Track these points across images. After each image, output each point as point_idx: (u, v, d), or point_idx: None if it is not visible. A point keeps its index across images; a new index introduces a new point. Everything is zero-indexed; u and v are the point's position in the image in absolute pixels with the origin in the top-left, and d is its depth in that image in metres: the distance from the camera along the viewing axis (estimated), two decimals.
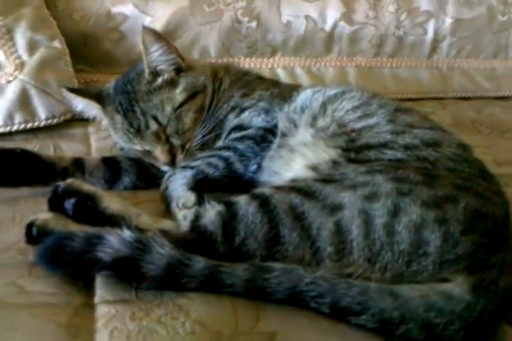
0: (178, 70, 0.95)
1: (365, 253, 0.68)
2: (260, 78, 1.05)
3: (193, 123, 0.94)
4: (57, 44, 1.14)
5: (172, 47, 0.94)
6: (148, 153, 0.95)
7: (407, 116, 0.92)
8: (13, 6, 1.13)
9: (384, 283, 0.67)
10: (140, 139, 0.93)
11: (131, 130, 0.93)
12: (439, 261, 0.67)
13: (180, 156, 0.93)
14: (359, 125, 0.89)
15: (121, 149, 1.00)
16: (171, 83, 0.93)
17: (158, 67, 0.93)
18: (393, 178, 0.73)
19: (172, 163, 0.93)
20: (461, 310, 0.64)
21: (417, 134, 0.86)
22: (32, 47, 1.11)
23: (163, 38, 0.93)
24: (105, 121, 0.99)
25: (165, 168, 0.95)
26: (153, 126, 0.92)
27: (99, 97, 0.97)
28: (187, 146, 0.94)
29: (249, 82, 1.01)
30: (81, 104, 0.98)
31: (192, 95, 0.94)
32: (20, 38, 1.11)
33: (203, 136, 0.94)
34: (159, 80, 0.93)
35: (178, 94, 0.93)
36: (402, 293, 0.65)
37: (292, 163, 0.88)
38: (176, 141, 0.93)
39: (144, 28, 0.92)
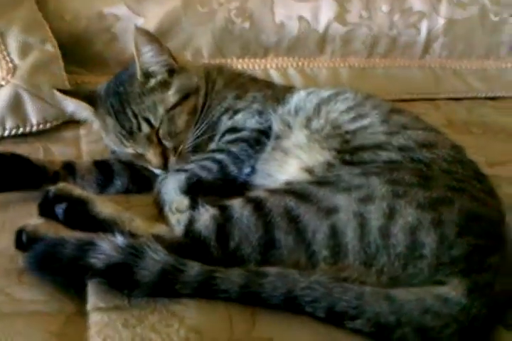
0: (171, 71, 0.94)
1: (361, 257, 0.67)
2: (254, 79, 1.04)
3: (185, 125, 0.93)
4: (49, 47, 1.13)
5: (164, 48, 0.93)
6: (140, 155, 0.94)
7: (401, 116, 0.92)
8: (5, 9, 1.11)
9: (380, 286, 0.66)
10: (132, 142, 0.92)
11: (123, 132, 0.92)
12: (434, 264, 0.67)
13: (172, 159, 0.92)
14: (353, 126, 0.88)
15: (113, 152, 0.98)
16: (164, 84, 0.92)
17: (151, 69, 0.92)
18: (388, 181, 0.73)
19: (165, 166, 0.92)
20: (456, 313, 0.64)
21: (410, 135, 0.85)
22: (24, 51, 1.10)
23: (156, 39, 0.92)
24: (97, 124, 0.98)
25: (157, 171, 0.94)
26: (146, 128, 0.91)
27: (90, 99, 0.95)
28: (180, 149, 0.92)
29: (243, 84, 1.00)
30: (72, 106, 0.96)
31: (185, 96, 0.93)
32: (13, 41, 1.09)
33: (196, 138, 0.93)
34: (152, 82, 0.92)
35: (171, 95, 0.92)
36: (398, 297, 0.65)
37: (286, 166, 0.87)
38: (168, 144, 0.92)
39: (137, 28, 0.91)
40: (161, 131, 0.91)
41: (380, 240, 0.67)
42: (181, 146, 0.93)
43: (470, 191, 0.75)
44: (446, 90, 1.44)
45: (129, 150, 0.94)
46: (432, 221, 0.68)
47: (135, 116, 0.91)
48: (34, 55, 1.09)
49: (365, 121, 0.89)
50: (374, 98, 0.96)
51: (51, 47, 1.13)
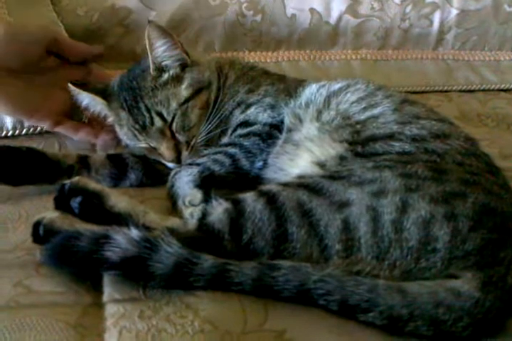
0: (183, 66, 0.94)
1: (374, 251, 0.67)
2: (266, 73, 1.04)
3: (198, 119, 0.93)
4: None
5: (177, 42, 0.93)
6: (153, 149, 0.95)
7: (414, 107, 0.91)
8: (22, 9, 1.12)
9: (392, 280, 0.66)
10: (145, 136, 0.93)
11: (137, 127, 0.92)
12: (447, 258, 0.67)
13: (185, 153, 0.93)
14: (364, 116, 0.88)
15: (127, 146, 0.99)
16: (176, 79, 0.93)
17: (164, 63, 0.93)
18: (401, 174, 0.72)
19: (178, 159, 0.93)
20: (469, 306, 0.64)
21: (424, 125, 0.84)
22: None
23: (169, 33, 0.92)
24: (110, 118, 0.98)
25: (171, 164, 0.94)
26: (158, 122, 0.92)
27: (103, 93, 0.96)
28: (192, 142, 0.93)
29: (255, 77, 1.00)
30: (86, 99, 0.97)
31: (197, 91, 0.94)
32: None
33: (209, 132, 0.94)
34: (164, 76, 0.92)
35: (184, 89, 0.92)
36: (411, 290, 0.65)
37: (298, 159, 0.87)
38: (181, 138, 0.93)
39: (150, 22, 0.91)
40: (173, 125, 0.92)
41: (393, 234, 0.67)
42: (194, 140, 0.93)
43: (483, 184, 0.74)
44: (460, 82, 1.42)
45: (142, 144, 0.94)
46: (445, 215, 0.68)
47: (148, 110, 0.91)
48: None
49: (376, 111, 0.88)
50: (386, 89, 0.96)
51: None
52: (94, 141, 1.03)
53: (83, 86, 0.97)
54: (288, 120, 0.94)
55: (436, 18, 1.38)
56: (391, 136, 0.82)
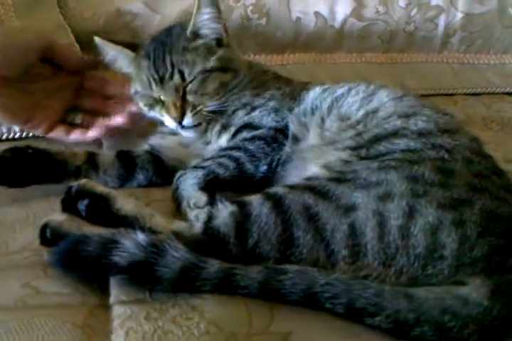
0: (219, 43, 0.97)
1: (380, 257, 0.67)
2: (276, 77, 1.05)
3: (213, 91, 0.95)
4: None
5: (222, 19, 0.96)
6: (160, 103, 0.96)
7: (416, 99, 0.91)
8: (30, 12, 1.12)
9: (399, 286, 0.67)
10: (159, 87, 0.95)
11: (155, 76, 0.95)
12: (455, 265, 0.66)
13: (189, 114, 0.94)
14: (361, 112, 0.88)
15: (136, 93, 0.99)
16: (209, 49, 0.95)
17: (202, 30, 0.96)
18: (408, 177, 0.72)
19: (180, 118, 0.94)
20: (477, 314, 0.64)
21: (430, 116, 0.83)
22: None
23: (219, 8, 0.95)
24: (129, 70, 1.01)
25: (171, 123, 0.96)
26: (177, 79, 0.94)
27: (131, 46, 0.99)
28: (199, 108, 0.95)
29: (265, 82, 1.01)
30: (112, 52, 1.00)
31: (224, 68, 0.96)
32: None
33: (215, 108, 0.95)
34: (199, 42, 0.95)
35: (213, 60, 0.95)
36: (418, 295, 0.65)
37: (305, 172, 0.86)
38: (191, 99, 0.94)
39: None
40: (189, 86, 0.94)
41: (400, 240, 0.67)
42: (201, 106, 0.95)
43: (491, 189, 0.74)
44: (465, 85, 1.42)
45: (153, 94, 0.96)
46: (452, 221, 0.68)
47: (172, 65, 0.94)
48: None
49: (373, 104, 0.88)
50: (387, 87, 0.95)
51: None
52: (86, 140, 1.04)
53: (110, 40, 1.00)
54: (293, 127, 0.94)
55: (441, 21, 1.38)
56: (395, 134, 0.81)
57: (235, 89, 0.97)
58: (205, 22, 0.95)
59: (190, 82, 0.94)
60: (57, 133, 1.02)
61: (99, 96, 1.05)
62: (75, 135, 1.02)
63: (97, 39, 1.00)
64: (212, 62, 0.95)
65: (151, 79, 0.95)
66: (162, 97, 0.96)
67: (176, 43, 0.95)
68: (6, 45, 0.93)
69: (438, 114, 0.85)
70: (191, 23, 0.95)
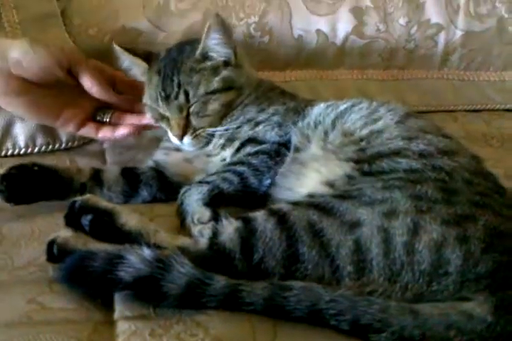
0: (226, 63, 1.00)
1: (386, 273, 0.68)
2: (282, 93, 1.07)
3: (214, 113, 0.98)
4: None
5: (232, 43, 1.00)
6: (165, 119, 1.00)
7: (418, 120, 0.92)
8: (36, 30, 1.14)
9: (404, 302, 0.67)
10: (165, 105, 0.98)
11: (162, 94, 0.98)
12: (459, 281, 0.67)
13: (189, 136, 0.98)
14: (366, 131, 0.89)
15: (145, 104, 1.03)
16: (215, 70, 0.98)
17: (210, 53, 0.99)
18: (411, 195, 0.73)
19: (181, 138, 0.98)
20: (481, 329, 0.64)
21: (431, 140, 0.85)
22: None
23: (229, 33, 0.98)
24: (143, 79, 1.04)
25: (174, 140, 0.99)
26: (182, 99, 0.97)
27: (147, 57, 1.03)
28: (198, 131, 0.98)
29: (270, 97, 1.03)
30: (128, 61, 1.04)
31: (227, 88, 0.99)
32: None
33: (216, 131, 0.98)
34: (207, 63, 0.98)
35: (216, 81, 0.98)
36: (423, 311, 0.65)
37: (305, 179, 0.88)
38: (193, 121, 0.98)
39: (216, 15, 0.97)
40: (192, 108, 0.97)
41: (405, 257, 0.67)
42: (201, 130, 0.98)
43: (493, 206, 0.75)
44: (465, 102, 1.43)
45: (159, 109, 1.00)
46: (456, 237, 0.68)
47: (179, 85, 0.97)
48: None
49: (379, 123, 0.90)
50: (389, 104, 0.97)
51: None
52: (114, 138, 1.07)
53: (128, 49, 1.04)
54: (296, 139, 0.95)
55: (441, 39, 1.40)
56: (397, 153, 0.83)
57: (239, 106, 0.99)
58: (214, 46, 0.98)
59: (194, 104, 0.97)
60: (87, 130, 1.05)
61: (128, 96, 1.07)
62: (104, 133, 1.05)
63: (115, 46, 1.04)
64: (214, 84, 0.97)
65: (159, 96, 0.98)
66: (166, 114, 0.99)
67: (185, 63, 0.98)
68: (37, 56, 0.97)
69: (438, 138, 0.87)
70: (201, 46, 0.98)
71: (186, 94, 0.97)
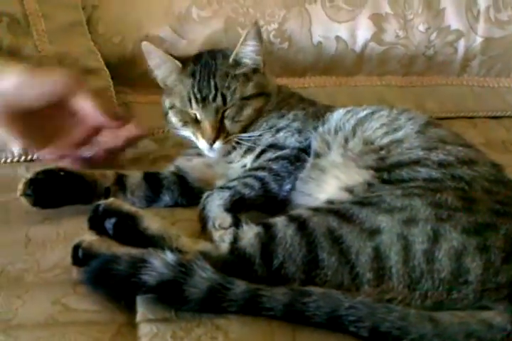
0: (255, 70, 1.03)
1: (405, 280, 0.68)
2: (301, 99, 1.09)
3: (247, 118, 1.01)
4: (102, 76, 1.20)
5: (263, 52, 1.03)
6: (195, 122, 1.01)
7: (438, 129, 0.93)
8: (62, 38, 1.18)
9: (424, 310, 0.67)
10: (201, 106, 0.99)
11: (198, 96, 0.99)
12: (480, 290, 0.67)
13: (221, 140, 0.99)
14: (386, 140, 0.90)
15: (171, 107, 1.04)
16: (246, 76, 1.01)
17: (244, 60, 1.02)
18: (431, 203, 0.73)
19: (212, 141, 0.99)
20: (501, 339, 0.64)
21: (450, 151, 0.85)
22: None
23: (262, 41, 1.02)
24: (168, 80, 1.04)
25: (203, 145, 1.00)
26: (219, 102, 0.99)
27: (179, 57, 1.04)
28: (231, 136, 0.99)
29: (290, 104, 1.05)
30: (158, 59, 1.04)
31: (259, 94, 1.02)
32: (69, 69, 1.15)
33: (247, 136, 1.00)
34: (240, 70, 1.01)
35: (251, 86, 1.01)
36: (442, 320, 0.65)
37: (325, 185, 0.89)
38: (227, 124, 1.00)
39: (255, 24, 1.01)
40: (228, 111, 0.99)
41: (425, 265, 0.68)
42: (233, 136, 1.00)
43: None
44: (485, 108, 1.43)
45: (191, 111, 1.01)
46: (477, 246, 0.68)
47: (216, 88, 0.99)
48: (89, 83, 1.15)
49: (399, 134, 0.90)
50: (409, 111, 0.98)
51: (104, 76, 1.20)
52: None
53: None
54: (316, 145, 0.96)
55: (461, 45, 1.40)
56: (417, 162, 0.84)
57: (265, 113, 1.02)
58: (248, 53, 1.01)
59: (230, 107, 0.99)
60: (67, 162, 1.04)
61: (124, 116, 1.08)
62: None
63: (144, 43, 1.04)
64: (250, 89, 1.01)
65: (193, 98, 1.00)
66: (199, 116, 1.00)
67: (220, 68, 1.01)
68: (30, 86, 0.97)
69: (458, 148, 0.87)
70: (235, 52, 1.01)
71: (224, 97, 0.99)
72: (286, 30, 1.31)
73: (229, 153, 1.01)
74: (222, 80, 0.99)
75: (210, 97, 0.99)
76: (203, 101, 0.99)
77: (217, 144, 0.99)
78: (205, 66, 1.02)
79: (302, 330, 0.68)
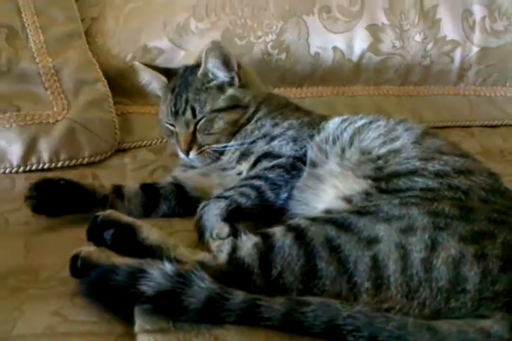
0: (230, 84, 1.05)
1: (403, 290, 0.68)
2: (296, 108, 1.10)
3: (219, 131, 1.03)
4: (100, 86, 1.21)
5: (232, 66, 1.04)
6: (174, 133, 1.05)
7: (435, 139, 0.93)
8: (60, 49, 1.19)
9: (422, 318, 0.67)
10: (174, 120, 1.04)
11: (172, 109, 1.04)
12: (477, 298, 0.67)
13: (194, 151, 1.03)
14: (384, 150, 0.90)
15: (159, 120, 1.10)
16: (220, 89, 1.04)
17: (210, 74, 1.04)
18: (428, 212, 0.73)
19: (187, 153, 1.03)
20: None
21: (447, 161, 0.86)
22: (78, 89, 1.19)
23: (226, 58, 1.03)
24: (160, 94, 1.11)
25: (181, 155, 1.04)
26: (189, 115, 1.03)
27: (167, 73, 1.09)
28: (203, 148, 1.03)
29: (284, 113, 1.06)
30: (148, 76, 1.10)
31: (232, 106, 1.04)
32: (68, 80, 1.17)
33: (222, 147, 1.02)
34: (211, 83, 1.04)
35: (222, 100, 1.03)
36: (440, 329, 0.65)
37: (323, 194, 0.90)
38: (199, 137, 1.03)
39: (212, 42, 1.04)
40: (199, 125, 1.03)
41: (423, 273, 0.68)
42: (206, 147, 1.03)
43: (510, 223, 0.74)
44: (481, 117, 1.44)
45: (169, 125, 1.06)
46: (474, 254, 0.68)
47: (186, 101, 1.03)
48: (87, 94, 1.18)
49: (397, 144, 0.91)
50: (406, 122, 0.99)
51: (102, 87, 1.22)
52: None
53: (148, 65, 1.11)
54: (312, 153, 0.97)
55: (457, 55, 1.42)
56: (414, 172, 0.84)
57: (252, 121, 1.03)
58: (213, 69, 1.04)
59: (200, 120, 1.02)
60: None
61: None
62: None
63: (136, 63, 1.11)
64: (220, 102, 1.03)
65: (169, 111, 1.04)
66: (175, 129, 1.05)
67: (193, 82, 1.04)
68: None
69: (455, 158, 0.88)
70: (202, 67, 1.04)
71: (193, 110, 1.02)
72: (283, 41, 1.32)
73: (215, 160, 1.03)
74: (193, 94, 1.03)
75: (181, 111, 1.03)
76: (176, 114, 1.04)
77: (192, 155, 1.03)
78: (184, 80, 1.06)
79: (300, 340, 0.68)
